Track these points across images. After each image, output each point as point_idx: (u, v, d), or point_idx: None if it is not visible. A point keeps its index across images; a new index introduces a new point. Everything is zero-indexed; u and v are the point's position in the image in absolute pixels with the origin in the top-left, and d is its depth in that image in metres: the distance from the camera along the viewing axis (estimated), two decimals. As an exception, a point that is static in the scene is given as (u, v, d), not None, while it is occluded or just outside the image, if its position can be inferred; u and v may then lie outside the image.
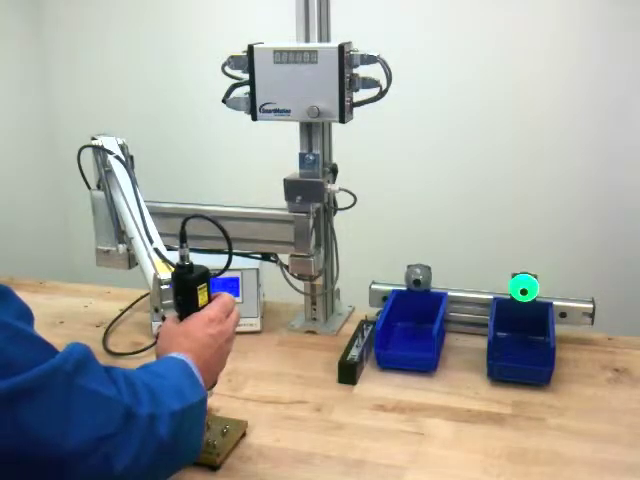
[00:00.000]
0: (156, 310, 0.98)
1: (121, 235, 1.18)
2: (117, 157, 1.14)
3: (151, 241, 1.03)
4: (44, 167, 2.01)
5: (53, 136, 2.02)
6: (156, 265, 0.99)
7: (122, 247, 1.20)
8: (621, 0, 1.58)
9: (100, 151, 1.14)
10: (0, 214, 1.83)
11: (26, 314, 0.62)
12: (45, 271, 1.75)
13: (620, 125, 1.68)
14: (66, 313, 1.43)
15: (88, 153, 1.17)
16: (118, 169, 1.13)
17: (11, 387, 0.56)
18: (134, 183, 1.11)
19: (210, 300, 0.90)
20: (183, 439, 0.74)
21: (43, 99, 2.01)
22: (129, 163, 1.15)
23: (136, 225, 1.06)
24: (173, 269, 0.90)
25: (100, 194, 1.18)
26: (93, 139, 1.16)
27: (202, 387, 0.81)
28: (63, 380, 0.60)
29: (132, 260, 1.22)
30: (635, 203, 1.72)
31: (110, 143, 1.16)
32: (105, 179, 1.15)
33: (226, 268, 0.92)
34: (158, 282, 0.96)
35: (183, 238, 0.88)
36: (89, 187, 1.21)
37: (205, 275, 0.89)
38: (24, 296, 0.65)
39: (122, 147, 1.17)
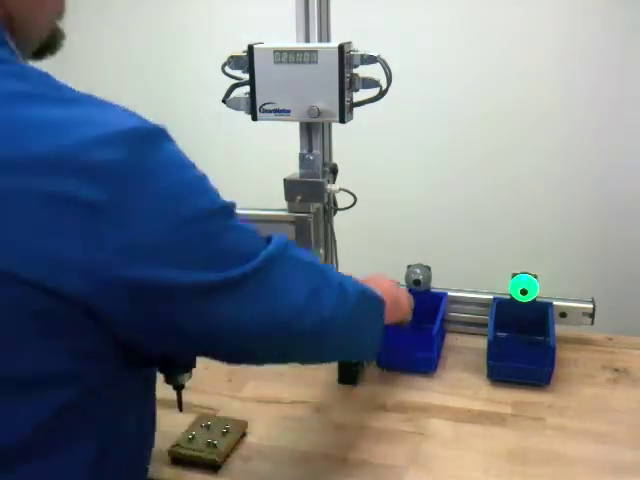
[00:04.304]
0: None
1: None
2: None
3: None
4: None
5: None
6: None
7: None
8: (625, 2, 1.58)
9: None
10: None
11: (232, 205, 0.67)
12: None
13: (621, 128, 1.68)
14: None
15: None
16: None
17: (248, 271, 0.63)
18: None
19: None
20: (364, 318, 0.86)
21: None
22: None
23: None
24: None
25: None
26: None
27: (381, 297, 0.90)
28: (284, 259, 0.69)
29: None
30: (636, 204, 1.72)
31: None
32: None
33: None
34: None
35: None
36: None
37: None
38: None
39: None
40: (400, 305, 1.03)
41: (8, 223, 0.52)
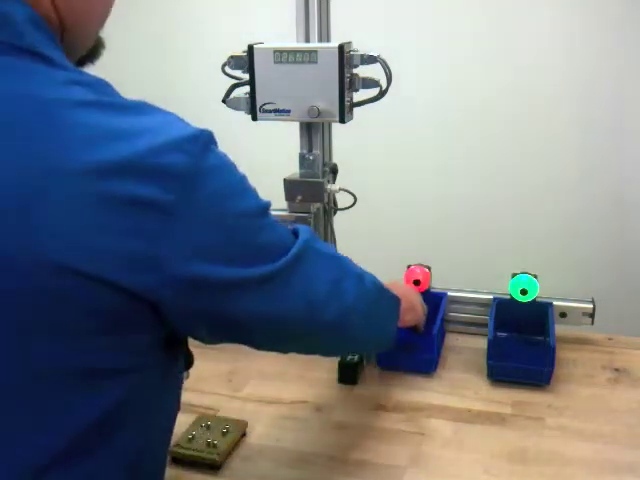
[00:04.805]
0: None
1: None
2: None
3: None
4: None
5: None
6: None
7: None
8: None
9: None
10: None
11: (268, 204, 0.70)
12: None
13: (620, 125, 1.68)
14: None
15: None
16: None
17: (281, 266, 0.67)
18: None
19: None
20: (382, 311, 0.90)
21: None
22: None
23: None
24: None
25: None
26: None
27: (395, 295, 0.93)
28: (311, 252, 0.72)
29: None
30: (636, 203, 1.72)
31: None
32: None
33: None
34: None
35: None
36: None
37: None
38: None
39: None
40: (415, 310, 1.07)
41: (74, 223, 0.54)
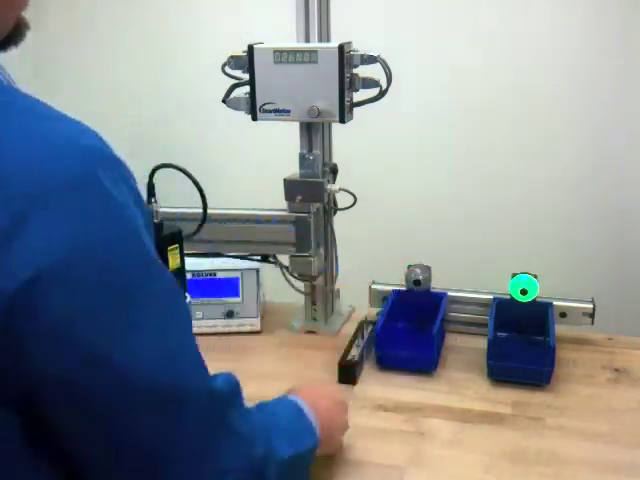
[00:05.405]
0: None
1: None
2: None
3: None
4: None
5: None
6: None
7: None
8: None
9: None
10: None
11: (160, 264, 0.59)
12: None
13: (620, 125, 1.68)
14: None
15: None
16: None
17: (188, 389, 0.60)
18: None
19: (184, 266, 0.86)
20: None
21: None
22: None
23: None
24: None
25: None
26: None
27: (316, 433, 0.81)
28: (220, 406, 0.66)
29: None
30: (635, 202, 1.72)
31: None
32: None
33: (203, 223, 0.89)
34: None
35: (151, 191, 0.83)
36: None
37: (177, 235, 0.84)
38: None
39: None
40: (333, 438, 0.92)
41: None
